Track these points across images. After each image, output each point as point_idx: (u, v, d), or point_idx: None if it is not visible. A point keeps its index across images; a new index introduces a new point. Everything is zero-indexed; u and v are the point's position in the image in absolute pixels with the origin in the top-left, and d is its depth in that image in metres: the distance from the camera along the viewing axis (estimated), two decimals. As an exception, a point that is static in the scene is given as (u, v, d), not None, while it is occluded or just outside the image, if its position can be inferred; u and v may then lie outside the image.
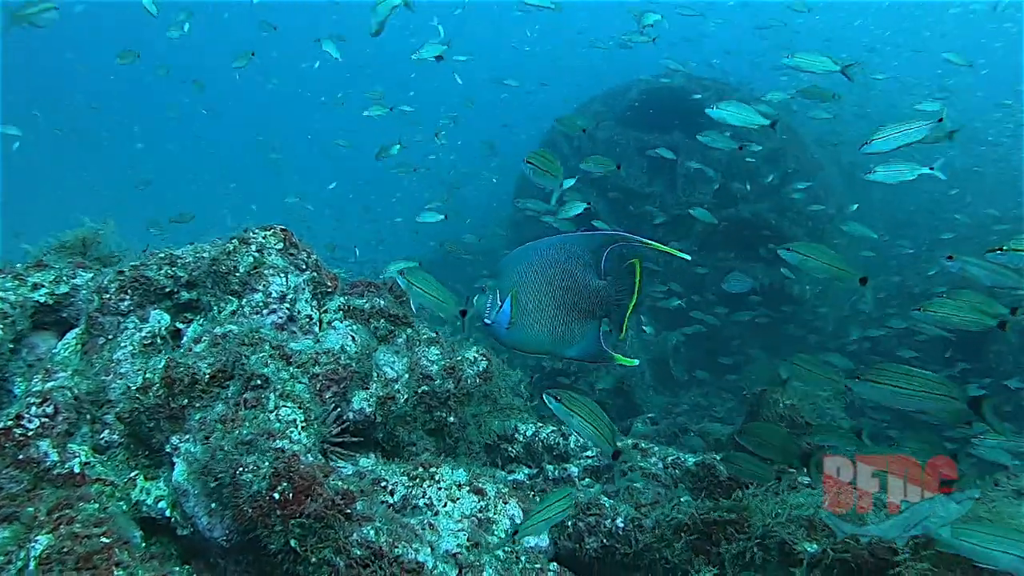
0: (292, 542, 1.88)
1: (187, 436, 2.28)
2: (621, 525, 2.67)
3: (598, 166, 5.43)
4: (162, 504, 2.31)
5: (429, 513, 2.34)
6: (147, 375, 2.39)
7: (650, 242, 2.10)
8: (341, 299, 2.98)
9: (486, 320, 2.15)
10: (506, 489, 2.53)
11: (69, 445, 2.33)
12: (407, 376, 2.85)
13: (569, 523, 2.73)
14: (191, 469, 2.17)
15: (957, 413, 2.32)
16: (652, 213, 9.13)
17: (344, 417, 2.55)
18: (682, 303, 8.03)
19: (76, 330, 2.81)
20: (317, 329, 2.85)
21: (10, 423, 2.25)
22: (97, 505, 2.04)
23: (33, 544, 1.86)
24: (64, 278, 2.94)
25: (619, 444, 3.61)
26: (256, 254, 2.81)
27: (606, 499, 2.82)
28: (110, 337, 2.72)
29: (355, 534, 1.90)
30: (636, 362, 2.24)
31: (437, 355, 2.96)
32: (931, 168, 3.91)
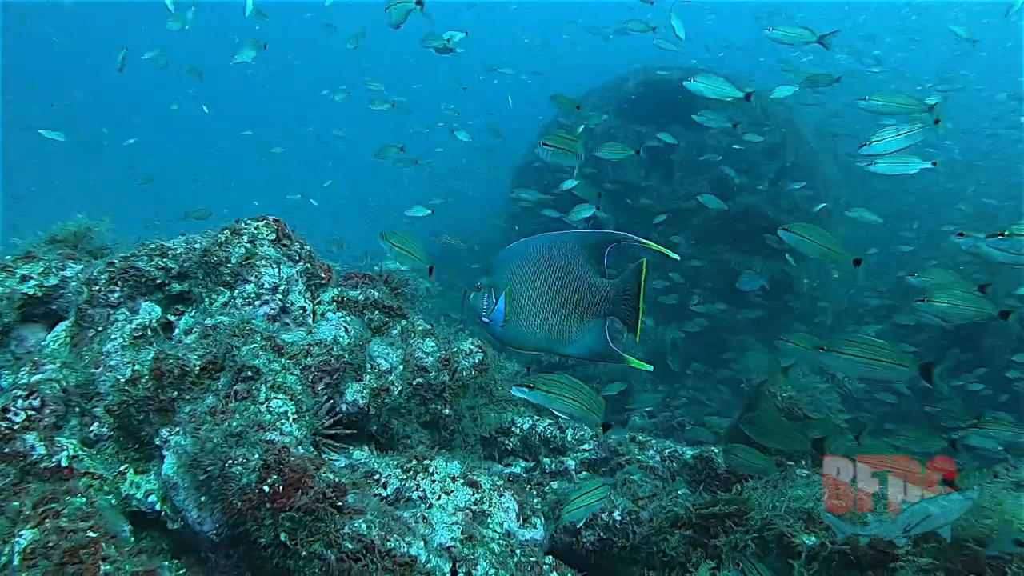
0: (282, 536, 1.84)
1: (177, 429, 2.25)
2: (618, 518, 2.64)
3: (613, 152, 5.39)
4: (152, 498, 2.27)
5: (423, 506, 2.30)
6: (136, 367, 2.35)
7: (645, 241, 2.07)
8: (335, 290, 2.94)
9: (483, 318, 2.12)
10: (501, 482, 2.50)
11: (57, 438, 2.29)
12: (401, 368, 2.82)
13: (565, 516, 2.70)
14: (181, 462, 2.13)
15: (911, 378, 2.61)
16: (649, 206, 9.08)
17: (337, 409, 2.51)
18: (682, 298, 7.99)
19: (65, 322, 2.78)
20: (311, 321, 2.81)
21: (-5, 416, 2.21)
22: (84, 499, 2.00)
23: (17, 539, 1.82)
24: (53, 270, 2.90)
25: (613, 438, 3.58)
26: (248, 245, 2.77)
27: (603, 492, 2.79)
28: (100, 329, 2.68)
29: (346, 527, 1.86)
30: (650, 367, 2.21)
31: (432, 347, 2.93)
32: (933, 164, 3.89)
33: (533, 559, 2.14)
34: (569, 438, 3.56)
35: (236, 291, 2.70)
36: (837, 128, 10.26)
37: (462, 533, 2.12)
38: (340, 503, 1.87)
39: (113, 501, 2.24)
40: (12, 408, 2.24)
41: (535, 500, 2.75)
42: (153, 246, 2.81)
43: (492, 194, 14.81)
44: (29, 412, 2.24)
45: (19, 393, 2.28)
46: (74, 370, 2.50)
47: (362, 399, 2.65)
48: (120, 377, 2.37)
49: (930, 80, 11.53)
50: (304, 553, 1.84)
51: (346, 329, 2.63)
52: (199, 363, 2.31)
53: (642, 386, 7.17)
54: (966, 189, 10.13)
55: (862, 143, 3.65)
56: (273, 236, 2.86)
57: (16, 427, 2.21)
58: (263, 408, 2.10)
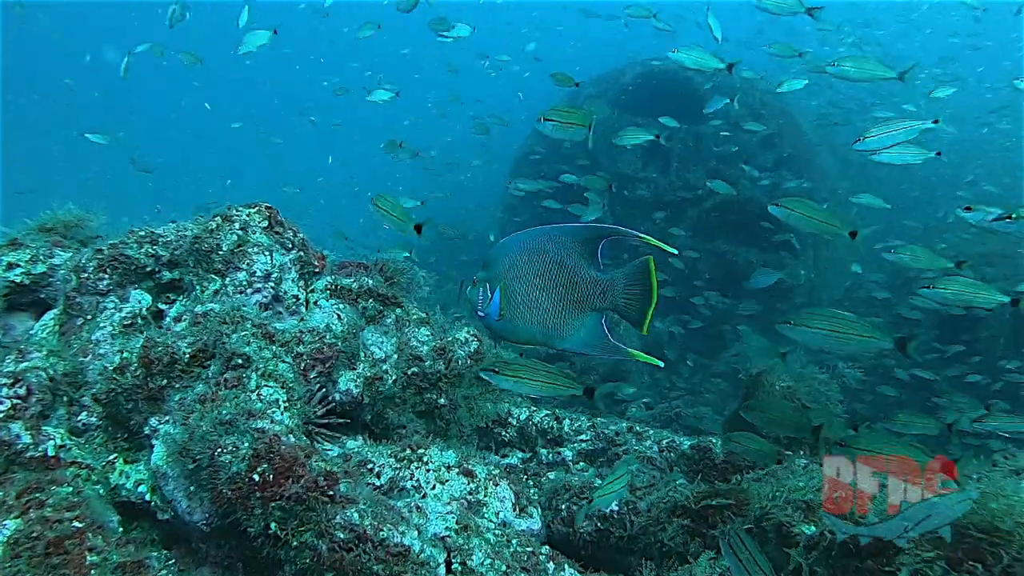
0: (272, 525, 1.80)
1: (166, 418, 2.21)
2: (616, 508, 2.61)
3: (635, 137, 5.35)
4: (142, 488, 2.23)
5: (417, 495, 2.27)
6: (124, 355, 2.30)
7: (641, 235, 2.07)
8: (328, 278, 2.90)
9: (479, 312, 2.11)
10: (497, 471, 2.46)
11: (44, 427, 2.25)
12: (396, 356, 2.78)
13: (563, 506, 2.67)
14: (170, 451, 2.09)
15: (883, 352, 2.60)
16: (646, 197, 9.04)
17: (330, 398, 2.47)
18: (679, 291, 7.96)
19: (54, 311, 2.73)
20: (304, 310, 2.77)
21: (-20, 405, 2.17)
22: (71, 488, 1.96)
23: (1, 529, 1.78)
24: (41, 257, 2.85)
25: (611, 428, 3.55)
26: (240, 232, 2.73)
27: (600, 482, 2.76)
28: (89, 318, 2.64)
29: (338, 517, 1.82)
30: (661, 364, 2.21)
31: (427, 336, 2.89)
32: (937, 153, 3.87)
33: (529, 549, 2.10)
34: (566, 429, 3.54)
35: (227, 279, 2.66)
36: (833, 118, 10.21)
37: (457, 523, 2.08)
38: (332, 492, 1.83)
39: (101, 491, 2.20)
40: (-3, 396, 2.19)
41: (532, 490, 2.71)
42: (143, 233, 2.76)
43: (489, 185, 14.77)
44: (14, 401, 2.20)
45: (4, 381, 2.24)
46: (62, 359, 2.46)
47: (356, 388, 2.61)
48: (108, 365, 2.33)
49: (932, 67, 11.49)
50: (295, 543, 1.80)
51: (339, 317, 2.59)
52: (189, 351, 2.26)
53: (640, 378, 7.14)
54: (966, 177, 10.09)
55: (857, 138, 3.62)
56: (265, 223, 2.81)
57: (1, 416, 2.16)
58: (254, 396, 2.06)
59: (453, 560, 1.97)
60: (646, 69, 10.28)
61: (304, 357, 2.39)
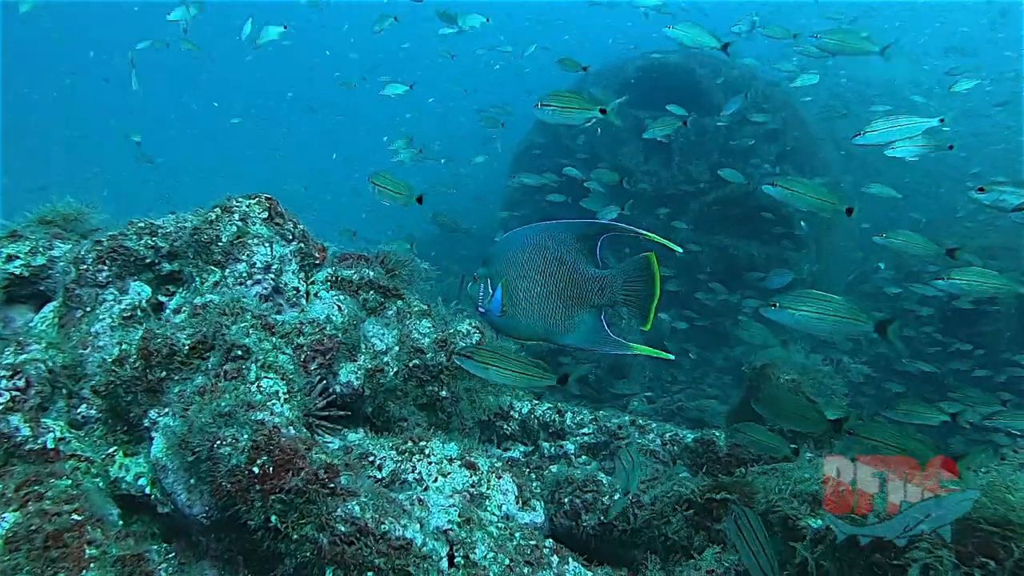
0: (273, 518, 1.78)
1: (166, 410, 2.19)
2: (619, 501, 2.58)
3: (664, 127, 5.34)
4: (142, 481, 2.21)
5: (419, 488, 2.24)
6: (124, 347, 2.28)
7: (640, 231, 2.07)
8: (329, 270, 2.88)
9: (480, 308, 2.12)
10: (499, 464, 2.44)
11: (43, 420, 2.23)
12: (397, 348, 2.75)
13: (566, 500, 2.65)
14: (169, 444, 2.07)
15: (865, 334, 2.59)
16: (647, 191, 9.00)
17: (331, 390, 2.45)
18: (682, 285, 7.93)
19: (53, 303, 2.71)
20: (304, 301, 2.75)
21: (-22, 397, 2.15)
22: (70, 481, 1.94)
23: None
24: (40, 249, 2.83)
25: (614, 421, 3.53)
26: (240, 223, 2.70)
27: (603, 476, 2.74)
28: (88, 310, 2.62)
29: (339, 510, 1.80)
30: (671, 357, 2.22)
31: (429, 327, 2.86)
32: (949, 147, 3.84)
33: (533, 543, 2.08)
34: (568, 422, 3.51)
35: (227, 270, 2.63)
36: (835, 110, 10.15)
37: (459, 516, 2.06)
38: (333, 485, 1.81)
39: (101, 484, 2.18)
40: (-5, 389, 2.17)
41: (534, 484, 2.69)
42: (142, 224, 2.74)
43: (489, 179, 14.73)
44: (13, 393, 2.18)
45: (3, 374, 2.22)
46: (61, 351, 2.44)
47: (357, 380, 2.59)
48: (107, 357, 2.31)
49: (938, 58, 11.42)
50: (295, 536, 1.78)
51: (339, 308, 2.56)
52: (188, 342, 2.24)
53: (641, 372, 7.13)
54: (971, 169, 10.03)
55: (856, 132, 3.59)
56: (265, 214, 2.79)
57: (0, 408, 2.14)
58: (253, 388, 2.03)
59: (456, 554, 1.95)
60: (647, 63, 10.23)
61: (304, 349, 2.36)
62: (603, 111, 3.29)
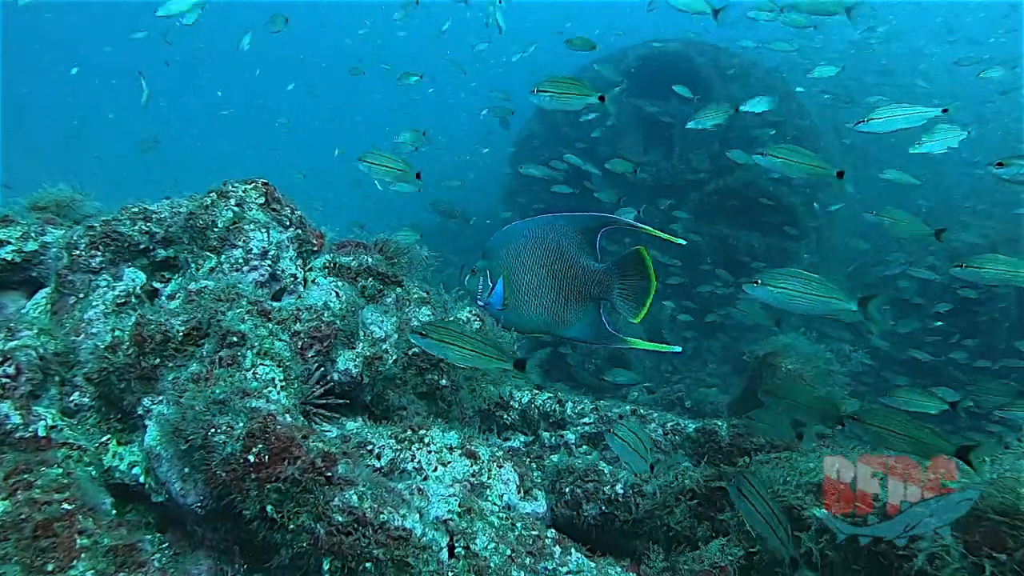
0: (268, 508, 1.73)
1: (160, 398, 2.14)
2: (621, 491, 2.55)
3: (713, 117, 5.30)
4: (136, 470, 2.17)
5: (418, 477, 2.20)
6: (117, 333, 2.24)
7: (641, 226, 2.06)
8: (327, 256, 2.83)
9: (480, 302, 2.10)
10: (500, 453, 2.39)
11: (35, 407, 2.18)
12: (396, 336, 2.71)
13: (567, 489, 2.61)
14: (163, 432, 2.03)
15: (844, 312, 2.56)
16: (647, 181, 8.94)
17: (328, 377, 2.40)
18: (684, 278, 7.88)
19: (46, 289, 2.66)
20: (302, 289, 2.70)
21: (-33, 384, 2.10)
22: (61, 470, 1.89)
23: (-13, 511, 1.72)
24: (32, 235, 2.78)
25: (615, 411, 3.50)
26: (236, 208, 2.65)
27: (605, 465, 2.70)
28: (81, 296, 2.57)
29: (336, 499, 1.76)
30: (678, 349, 2.21)
31: (428, 315, 2.82)
32: (968, 132, 3.81)
33: (535, 533, 2.03)
34: (569, 411, 3.48)
35: (223, 256, 2.59)
36: (838, 98, 10.09)
37: (460, 506, 2.01)
38: (329, 474, 1.77)
39: (94, 473, 2.13)
40: (-16, 375, 2.13)
41: (535, 473, 2.65)
42: (136, 209, 2.69)
43: (487, 168, 14.67)
44: (3, 380, 2.13)
45: (-7, 360, 2.17)
46: (53, 337, 2.39)
47: (355, 367, 2.54)
48: (100, 344, 2.26)
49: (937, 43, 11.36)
50: (292, 526, 1.73)
51: (337, 294, 2.52)
52: (182, 329, 2.19)
53: (640, 363, 7.09)
54: (973, 157, 9.98)
55: (859, 120, 3.55)
56: (262, 200, 2.74)
57: (-11, 395, 2.10)
58: (249, 375, 1.99)
59: (456, 544, 1.90)
60: (647, 51, 10.16)
61: (301, 335, 2.32)
62: (601, 98, 3.24)
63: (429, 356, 2.75)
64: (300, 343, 2.30)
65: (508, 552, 1.91)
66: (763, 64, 9.22)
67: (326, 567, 1.73)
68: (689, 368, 7.63)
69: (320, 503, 1.74)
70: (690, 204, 8.87)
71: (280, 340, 2.17)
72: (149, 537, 2.05)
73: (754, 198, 8.59)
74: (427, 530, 1.85)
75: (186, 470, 1.96)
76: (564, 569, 1.94)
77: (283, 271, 2.69)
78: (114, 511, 2.06)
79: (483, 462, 2.30)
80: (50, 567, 1.64)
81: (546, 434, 3.43)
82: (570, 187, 8.13)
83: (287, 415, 1.89)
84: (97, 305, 2.50)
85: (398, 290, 2.88)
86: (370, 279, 2.84)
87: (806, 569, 2.01)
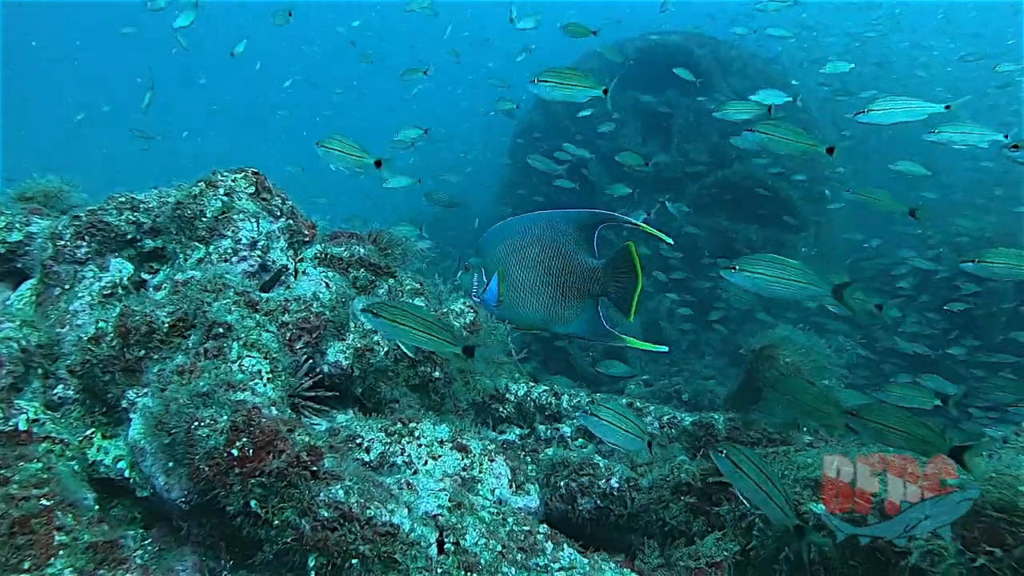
0: (252, 503, 1.69)
1: (144, 390, 2.10)
2: (616, 485, 2.51)
3: (742, 113, 5.35)
4: (121, 464, 2.13)
5: (408, 472, 2.16)
6: (100, 324, 2.19)
7: (636, 223, 2.03)
8: (317, 247, 2.78)
9: (474, 297, 2.07)
10: (493, 447, 2.35)
11: (16, 401, 2.13)
12: (388, 328, 2.66)
13: (561, 483, 2.58)
14: (147, 425, 1.98)
15: (821, 297, 2.64)
16: (647, 173, 8.89)
17: (318, 369, 2.36)
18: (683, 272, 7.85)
19: (31, 281, 2.62)
20: (293, 280, 2.65)
21: (-54, 377, 2.06)
22: (40, 465, 1.85)
23: (-39, 507, 1.67)
24: (17, 225, 2.73)
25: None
26: (225, 198, 2.61)
27: (600, 458, 2.66)
28: (67, 287, 2.52)
29: (322, 494, 1.71)
30: (665, 349, 2.20)
31: (422, 306, 2.77)
32: (1005, 136, 3.78)
33: (526, 528, 1.99)
34: (565, 404, 3.43)
35: (212, 247, 2.54)
36: (830, 91, 10.05)
37: (450, 500, 1.97)
38: (315, 468, 1.72)
39: (77, 467, 2.09)
40: (-36, 368, 2.08)
41: (529, 467, 2.61)
42: (123, 199, 2.64)
43: (485, 160, 14.61)
44: (-17, 372, 2.09)
45: (-27, 352, 2.12)
46: (37, 329, 2.34)
47: (345, 359, 2.50)
48: (83, 335, 2.21)
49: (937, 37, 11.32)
50: (276, 522, 1.69)
51: (327, 285, 2.47)
52: (168, 320, 2.15)
53: (637, 356, 7.06)
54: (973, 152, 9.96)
55: (858, 111, 3.52)
56: (252, 189, 2.69)
57: (-32, 388, 2.05)
58: (235, 367, 1.94)
59: (446, 539, 1.86)
60: (645, 44, 10.10)
61: (290, 327, 2.27)
62: (606, 91, 3.19)
63: (421, 348, 2.70)
64: (288, 334, 2.25)
65: (499, 548, 1.87)
66: (762, 55, 9.16)
67: (311, 563, 1.69)
68: (687, 360, 7.60)
69: (305, 498, 1.70)
70: (689, 196, 8.83)
71: (267, 331, 2.13)
72: (132, 533, 2.01)
73: (753, 190, 8.55)
74: (416, 525, 1.81)
75: (170, 464, 1.92)
76: (556, 565, 1.90)
77: (273, 262, 2.65)
78: (97, 507, 2.02)
79: (475, 456, 2.26)
80: (26, 564, 1.59)
81: (542, 427, 3.39)
82: (571, 181, 8.09)
83: (273, 408, 1.84)
84: (83, 296, 2.45)
85: (391, 281, 2.84)
86: (362, 270, 2.79)
87: (814, 532, 1.97)
